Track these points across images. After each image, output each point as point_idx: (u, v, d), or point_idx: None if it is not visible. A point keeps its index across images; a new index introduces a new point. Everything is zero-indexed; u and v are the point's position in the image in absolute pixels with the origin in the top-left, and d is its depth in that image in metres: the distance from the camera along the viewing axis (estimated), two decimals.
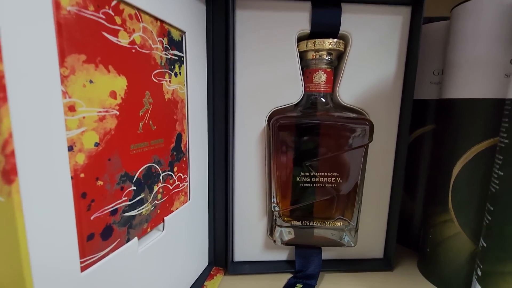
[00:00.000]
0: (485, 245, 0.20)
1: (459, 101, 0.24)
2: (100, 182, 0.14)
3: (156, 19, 0.18)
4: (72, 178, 0.13)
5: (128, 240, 0.16)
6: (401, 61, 0.26)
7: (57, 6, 0.11)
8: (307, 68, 0.26)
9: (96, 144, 0.14)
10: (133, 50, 0.16)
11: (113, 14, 0.14)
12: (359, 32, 0.26)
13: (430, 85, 0.30)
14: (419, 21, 0.25)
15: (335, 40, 0.25)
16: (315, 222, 0.27)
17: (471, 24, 0.22)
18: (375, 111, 0.27)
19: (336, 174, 0.26)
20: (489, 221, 0.20)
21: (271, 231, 0.28)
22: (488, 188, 0.20)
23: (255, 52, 0.25)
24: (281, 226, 0.27)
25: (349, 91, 0.27)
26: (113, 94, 0.15)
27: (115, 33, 0.14)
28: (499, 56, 0.21)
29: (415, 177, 0.32)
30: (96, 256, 0.14)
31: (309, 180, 0.26)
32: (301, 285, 0.26)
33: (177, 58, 0.20)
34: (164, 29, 0.19)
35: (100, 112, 0.14)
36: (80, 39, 0.13)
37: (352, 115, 0.26)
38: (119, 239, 0.16)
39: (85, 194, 0.13)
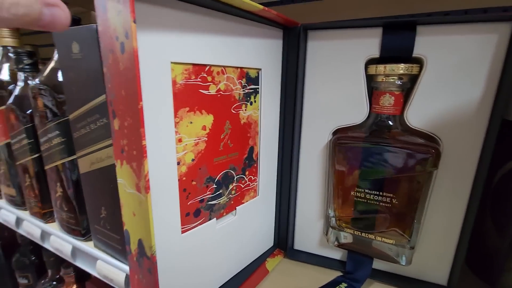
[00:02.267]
0: None
1: None
2: (194, 182, 0.23)
3: (237, 67, 0.24)
4: (178, 180, 0.21)
5: (210, 219, 0.25)
6: (491, 84, 0.24)
7: (174, 83, 0.20)
8: (376, 89, 0.27)
9: (192, 160, 0.22)
10: (219, 95, 0.23)
11: (206, 76, 0.22)
12: (437, 54, 0.24)
13: None
14: None
15: (407, 65, 0.25)
16: (371, 234, 0.29)
17: None
18: (450, 136, 0.25)
19: (391, 195, 0.27)
20: None
21: (326, 232, 0.32)
22: None
23: (323, 75, 0.28)
24: (335, 229, 0.31)
25: (419, 115, 0.26)
26: (204, 128, 0.23)
27: (207, 88, 0.22)
28: None
29: (509, 209, 0.28)
30: (190, 226, 0.23)
31: (363, 196, 0.28)
32: (345, 285, 0.29)
33: (252, 90, 0.27)
34: (243, 72, 0.25)
35: (195, 140, 0.22)
36: (185, 98, 0.21)
37: (419, 140, 0.26)
38: (204, 218, 0.25)
39: (185, 190, 0.22)
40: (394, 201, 0.27)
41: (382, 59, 0.26)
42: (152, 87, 0.17)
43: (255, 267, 0.31)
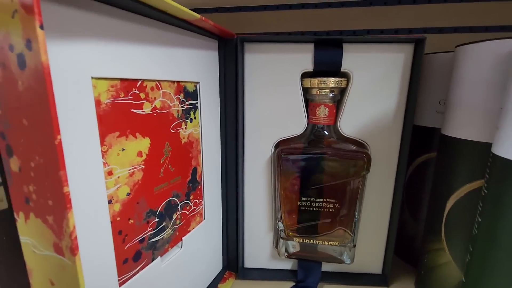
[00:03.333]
0: (464, 281, 0.22)
1: (455, 139, 0.25)
2: (131, 221, 0.19)
3: (174, 81, 0.22)
4: (111, 222, 0.17)
5: (153, 259, 0.21)
6: (402, 95, 0.27)
7: (98, 103, 0.16)
8: (311, 101, 0.29)
9: (128, 194, 0.18)
10: (155, 114, 0.20)
11: (138, 92, 0.18)
12: (361, 69, 0.27)
13: (436, 114, 0.30)
14: (419, 57, 0.26)
15: (337, 79, 0.27)
16: (317, 239, 0.30)
17: (470, 67, 0.23)
18: (376, 142, 0.29)
19: (334, 200, 0.28)
20: (468, 260, 0.21)
21: (276, 244, 0.32)
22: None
23: (263, 89, 0.28)
24: (285, 240, 0.31)
25: (350, 124, 0.29)
26: (139, 154, 0.19)
27: (140, 106, 0.19)
28: (493, 103, 0.22)
29: (419, 200, 0.33)
30: (129, 274, 0.19)
31: (309, 204, 0.29)
32: None
33: (191, 106, 0.24)
34: (181, 87, 0.23)
35: (130, 169, 0.18)
36: (114, 121, 0.17)
37: (352, 147, 0.28)
38: (146, 260, 0.21)
39: (120, 232, 0.18)
40: (336, 206, 0.29)
41: (316, 73, 0.28)
42: (68, 112, 0.13)
43: None
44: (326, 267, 0.32)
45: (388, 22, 0.44)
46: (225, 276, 0.32)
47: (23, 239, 0.13)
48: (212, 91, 0.27)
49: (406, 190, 0.34)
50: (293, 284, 0.31)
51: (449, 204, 0.25)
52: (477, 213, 0.21)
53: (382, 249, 0.32)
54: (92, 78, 0.15)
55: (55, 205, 0.12)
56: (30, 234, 0.13)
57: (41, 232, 0.13)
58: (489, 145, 0.21)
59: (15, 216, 0.13)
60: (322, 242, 0.30)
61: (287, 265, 0.33)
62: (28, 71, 0.10)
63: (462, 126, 0.24)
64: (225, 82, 0.28)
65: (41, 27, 0.10)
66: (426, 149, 0.32)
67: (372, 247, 0.32)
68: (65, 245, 0.12)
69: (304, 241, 0.30)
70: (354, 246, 0.30)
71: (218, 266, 0.32)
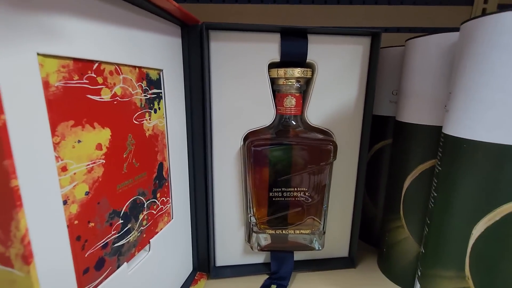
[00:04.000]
0: (423, 251, 0.24)
1: (408, 124, 0.27)
2: (91, 224, 0.16)
3: (135, 66, 0.19)
4: (68, 226, 0.15)
5: (118, 266, 0.19)
6: (362, 86, 0.29)
7: (46, 85, 0.13)
8: (278, 92, 0.29)
9: (87, 193, 0.16)
10: (115, 102, 0.18)
11: (95, 76, 0.16)
12: (324, 60, 0.28)
13: (389, 103, 0.33)
14: (377, 49, 0.28)
15: (303, 69, 0.27)
16: (288, 229, 0.30)
17: (419, 59, 0.25)
18: (339, 130, 0.30)
19: (304, 188, 0.29)
20: (426, 232, 0.23)
21: (249, 238, 0.31)
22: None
23: (230, 80, 0.27)
24: (257, 233, 0.30)
25: (316, 114, 0.29)
26: (99, 146, 0.17)
27: (98, 92, 0.16)
28: (440, 89, 0.24)
29: (377, 185, 0.36)
30: (91, 286, 0.17)
31: (280, 194, 0.29)
32: (275, 286, 0.29)
33: (155, 95, 0.22)
34: (143, 73, 0.20)
35: (88, 165, 0.16)
36: (67, 108, 0.14)
37: (319, 136, 0.29)
38: (110, 267, 0.18)
39: (79, 237, 0.16)
40: (307, 194, 0.29)
41: (282, 63, 0.28)
42: (10, 94, 0.11)
43: None
44: (297, 256, 0.33)
45: (340, 20, 0.47)
46: (196, 277, 0.30)
47: None
48: (177, 80, 0.25)
49: (365, 175, 0.36)
50: (267, 276, 0.31)
51: (406, 184, 0.28)
52: (432, 189, 0.23)
53: (348, 233, 0.33)
54: (38, 54, 0.13)
55: (2, 205, 0.09)
56: None
57: None
58: (438, 128, 0.24)
59: None
60: (294, 231, 0.30)
61: (260, 258, 0.33)
62: None
63: (414, 112, 0.26)
64: (190, 72, 0.26)
65: None
66: (382, 136, 0.34)
67: (339, 232, 0.33)
68: (14, 253, 0.10)
69: (276, 232, 0.30)
70: (324, 233, 0.31)
71: (188, 268, 0.30)
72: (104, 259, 0.18)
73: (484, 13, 0.46)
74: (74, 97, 0.15)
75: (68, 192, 0.15)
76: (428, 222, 0.23)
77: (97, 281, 0.17)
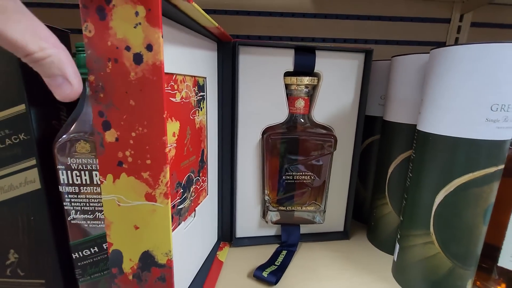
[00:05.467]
0: (402, 219, 0.31)
1: (392, 123, 0.34)
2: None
3: (192, 76, 0.26)
4: None
5: (179, 224, 0.26)
6: (357, 91, 0.37)
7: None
8: (290, 95, 0.36)
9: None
10: (182, 102, 0.24)
11: (173, 84, 0.23)
12: (328, 71, 0.35)
13: (378, 106, 0.40)
14: (369, 63, 0.35)
15: (311, 77, 0.34)
16: (295, 207, 0.38)
17: (400, 72, 0.33)
18: (339, 127, 0.37)
19: (310, 173, 0.36)
20: (404, 204, 0.31)
21: (263, 214, 0.38)
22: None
23: (253, 85, 0.34)
24: (271, 211, 0.37)
25: (320, 113, 0.37)
26: (174, 134, 0.23)
27: (174, 95, 0.23)
28: (417, 97, 0.32)
29: (368, 173, 0.43)
30: None
31: (291, 177, 0.36)
32: (285, 251, 0.37)
33: (201, 97, 0.29)
34: (196, 80, 0.27)
35: (168, 147, 0.22)
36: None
37: (322, 131, 0.36)
38: (175, 223, 0.25)
39: None
40: (312, 178, 0.36)
41: (295, 73, 0.35)
42: None
43: (211, 261, 0.33)
44: (303, 230, 0.40)
45: (337, 33, 0.54)
46: (220, 246, 0.37)
47: (107, 197, 0.17)
48: (214, 86, 0.32)
49: (358, 165, 0.44)
50: (278, 245, 0.38)
51: (390, 170, 0.35)
52: (409, 171, 0.30)
53: (343, 212, 0.41)
54: None
55: (154, 163, 0.16)
56: (117, 192, 0.17)
57: (131, 187, 0.17)
58: (414, 126, 0.32)
59: (101, 179, 0.17)
60: (301, 207, 0.38)
61: (272, 231, 0.40)
62: (145, 66, 0.15)
63: (397, 113, 0.34)
64: (222, 79, 0.33)
65: (162, 36, 0.14)
66: (372, 132, 0.42)
67: (336, 210, 0.41)
68: (159, 192, 0.16)
69: (286, 208, 0.37)
70: (324, 211, 0.39)
71: (215, 237, 0.37)
72: (172, 216, 0.24)
73: (458, 31, 0.54)
74: (165, 99, 0.21)
75: (168, 173, 0.21)
76: (405, 196, 0.31)
77: None
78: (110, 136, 0.16)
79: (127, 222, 0.17)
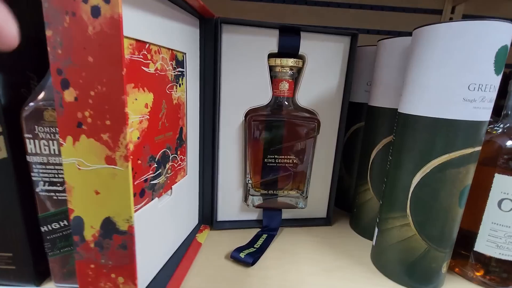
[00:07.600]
0: (381, 202, 0.31)
1: (376, 108, 0.34)
2: (139, 161, 0.23)
3: (169, 49, 0.25)
4: None
5: (152, 199, 0.25)
6: (342, 76, 0.36)
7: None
8: (274, 77, 0.35)
9: (138, 138, 0.22)
10: (156, 74, 0.24)
11: (146, 53, 0.22)
12: (313, 53, 0.35)
13: (364, 92, 0.40)
14: (354, 47, 0.35)
15: (295, 59, 0.34)
16: (277, 191, 0.37)
17: (386, 55, 0.33)
18: (323, 111, 0.37)
19: (293, 157, 0.36)
20: (384, 188, 0.31)
21: (245, 198, 0.38)
22: None
23: (236, 66, 0.34)
24: (253, 195, 0.37)
25: (304, 96, 0.36)
26: (146, 105, 0.23)
27: (147, 65, 0.22)
28: (401, 81, 0.31)
29: (352, 159, 0.43)
30: (137, 207, 0.23)
31: (273, 161, 0.36)
32: (265, 235, 0.36)
33: (180, 73, 0.28)
34: (173, 54, 0.26)
35: (140, 117, 0.22)
36: (131, 74, 0.20)
37: (306, 114, 0.36)
38: (147, 198, 0.24)
39: (132, 169, 0.22)
40: (294, 161, 0.36)
41: (279, 54, 0.35)
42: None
43: (189, 243, 0.33)
44: (285, 215, 0.40)
45: (327, 20, 0.53)
46: (201, 228, 0.37)
47: (67, 161, 0.17)
48: (195, 63, 0.31)
49: (343, 153, 0.44)
50: (259, 229, 0.38)
51: (372, 155, 0.35)
52: (389, 154, 0.30)
53: (326, 198, 0.41)
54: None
55: (113, 124, 0.15)
56: (77, 155, 0.16)
57: (91, 149, 0.16)
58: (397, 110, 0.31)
59: (61, 142, 0.16)
60: (283, 192, 0.37)
61: (254, 215, 0.39)
62: (103, 19, 0.14)
63: (381, 98, 0.34)
64: (204, 57, 0.33)
65: None
66: (357, 119, 0.42)
67: (319, 196, 0.40)
68: (119, 155, 0.16)
69: (269, 192, 0.37)
70: (306, 197, 0.38)
71: (195, 220, 0.37)
72: (144, 190, 0.24)
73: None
74: (134, 67, 0.21)
75: (128, 135, 0.21)
76: (385, 180, 0.31)
77: (139, 206, 0.23)
78: (69, 95, 0.16)
79: (88, 187, 0.17)
